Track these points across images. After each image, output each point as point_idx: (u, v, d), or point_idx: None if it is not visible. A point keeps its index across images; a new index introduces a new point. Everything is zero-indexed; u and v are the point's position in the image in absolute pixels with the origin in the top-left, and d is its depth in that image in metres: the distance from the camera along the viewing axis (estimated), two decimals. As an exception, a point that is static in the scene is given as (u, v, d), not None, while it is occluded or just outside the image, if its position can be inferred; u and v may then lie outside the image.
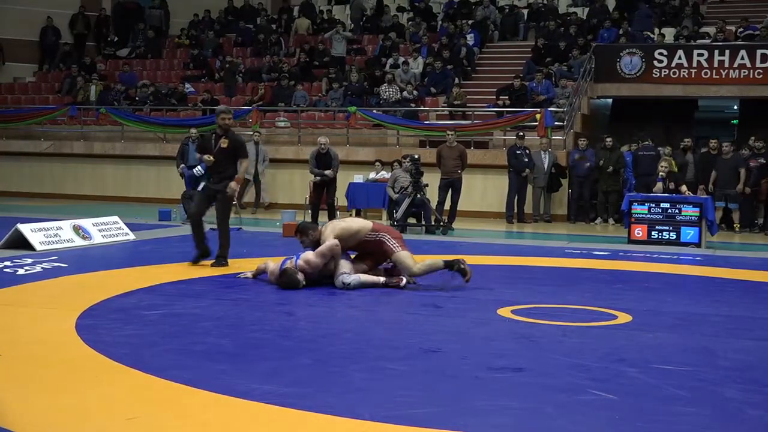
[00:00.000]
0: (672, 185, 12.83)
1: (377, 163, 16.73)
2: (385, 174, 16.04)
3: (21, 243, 9.94)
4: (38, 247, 9.88)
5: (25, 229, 10.07)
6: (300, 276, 7.69)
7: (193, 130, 17.43)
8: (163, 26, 25.04)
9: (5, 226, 10.59)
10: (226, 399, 4.29)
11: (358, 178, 16.34)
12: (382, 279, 7.88)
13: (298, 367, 4.98)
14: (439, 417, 4.06)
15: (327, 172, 13.55)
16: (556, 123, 16.98)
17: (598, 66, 18.36)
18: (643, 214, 12.55)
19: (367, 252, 8.10)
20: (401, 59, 20.06)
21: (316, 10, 24.49)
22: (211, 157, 9.02)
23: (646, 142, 15.78)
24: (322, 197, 13.81)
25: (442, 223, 13.79)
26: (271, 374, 4.79)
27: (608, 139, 16.11)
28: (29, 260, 9.03)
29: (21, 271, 8.35)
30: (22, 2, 23.66)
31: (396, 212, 13.85)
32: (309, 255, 7.77)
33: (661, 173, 12.96)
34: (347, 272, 7.77)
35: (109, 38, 24.62)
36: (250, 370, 4.88)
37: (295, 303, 7.11)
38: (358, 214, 16.00)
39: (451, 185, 14.33)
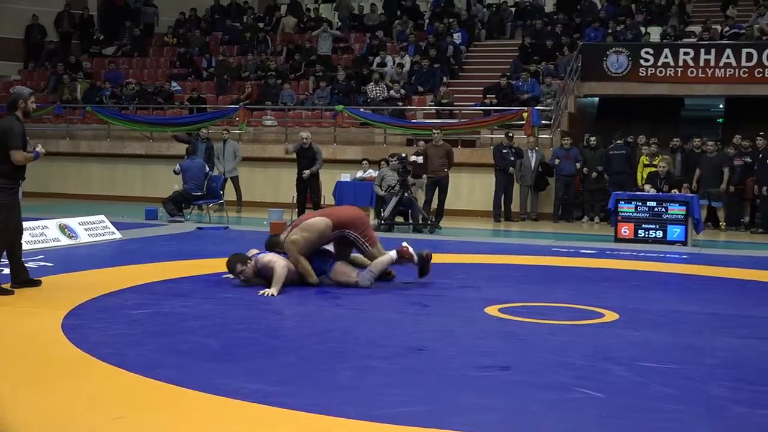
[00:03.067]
0: (666, 188, 12.84)
1: (364, 162, 16.71)
2: (372, 173, 16.02)
3: (6, 242, 9.86)
4: (24, 246, 9.79)
5: (10, 228, 9.98)
6: (241, 266, 7.58)
7: (203, 130, 17.42)
8: (145, 21, 24.92)
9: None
10: (212, 398, 4.28)
11: (345, 177, 16.31)
12: (393, 254, 7.79)
13: (285, 365, 4.97)
14: (425, 416, 4.05)
15: (305, 172, 13.66)
16: (543, 122, 17.02)
17: (584, 65, 18.38)
18: (629, 212, 12.59)
19: (344, 245, 8.01)
20: (390, 59, 20.04)
21: (303, 9, 24.46)
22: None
23: (618, 141, 15.84)
24: (306, 196, 13.82)
25: (429, 222, 13.80)
26: (258, 373, 4.78)
27: (592, 139, 16.15)
28: (14, 259, 8.96)
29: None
30: (7, 0, 23.51)
31: (383, 211, 13.86)
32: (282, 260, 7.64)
33: (660, 172, 13.01)
34: (355, 275, 7.76)
35: (95, 36, 24.51)
36: (236, 369, 4.87)
37: (282, 302, 7.10)
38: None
39: (438, 184, 14.33)
